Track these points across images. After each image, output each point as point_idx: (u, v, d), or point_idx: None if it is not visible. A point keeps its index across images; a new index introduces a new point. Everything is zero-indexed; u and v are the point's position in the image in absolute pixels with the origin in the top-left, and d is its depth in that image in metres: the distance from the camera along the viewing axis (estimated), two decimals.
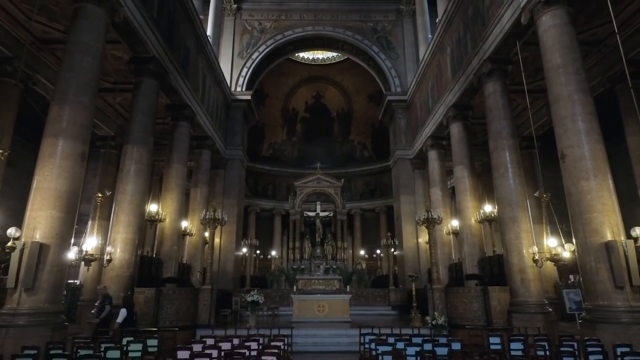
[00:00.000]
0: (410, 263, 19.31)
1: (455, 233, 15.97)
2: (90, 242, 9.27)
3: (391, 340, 8.00)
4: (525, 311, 10.28)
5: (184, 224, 15.54)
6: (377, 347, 7.55)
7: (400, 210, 20.54)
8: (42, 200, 8.01)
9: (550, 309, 10.61)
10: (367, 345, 8.67)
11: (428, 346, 7.33)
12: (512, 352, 7.62)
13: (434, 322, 11.23)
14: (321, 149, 28.50)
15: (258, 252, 25.32)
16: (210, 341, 8.00)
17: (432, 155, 17.91)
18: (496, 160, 11.76)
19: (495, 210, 13.11)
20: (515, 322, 10.29)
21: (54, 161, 8.20)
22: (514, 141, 11.70)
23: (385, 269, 24.99)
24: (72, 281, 15.22)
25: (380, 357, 7.14)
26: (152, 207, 12.99)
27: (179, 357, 6.59)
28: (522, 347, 7.60)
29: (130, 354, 7.32)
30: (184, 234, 15.41)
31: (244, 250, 20.03)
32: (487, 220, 13.43)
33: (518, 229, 10.91)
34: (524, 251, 10.63)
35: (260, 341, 8.32)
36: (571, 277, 16.44)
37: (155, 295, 11.06)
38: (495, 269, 12.43)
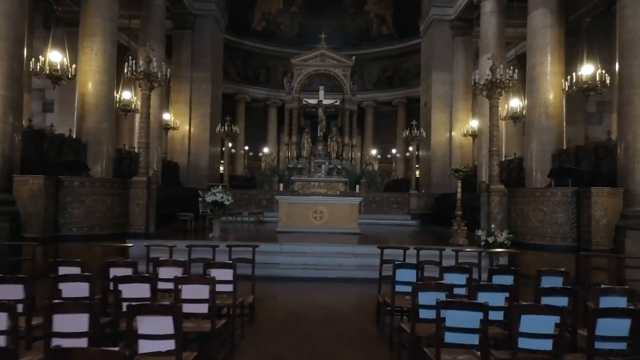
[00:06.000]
0: (439, 163, 15.02)
1: (515, 118, 11.29)
2: None
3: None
4: None
5: (126, 95, 10.88)
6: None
7: (430, 93, 15.50)
8: None
9: None
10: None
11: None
12: None
13: (489, 239, 7.28)
14: (328, 24, 22.22)
15: (247, 148, 21.22)
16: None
17: (488, 6, 12.23)
18: None
19: (598, 73, 8.28)
20: (631, 244, 6.63)
21: None
22: None
23: (400, 172, 21.43)
24: None
25: None
26: (54, 57, 8.21)
27: None
28: None
29: None
30: (124, 109, 10.84)
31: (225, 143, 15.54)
32: (584, 90, 8.55)
33: None
34: None
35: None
36: None
37: (49, 187, 6.92)
38: (591, 164, 8.13)
